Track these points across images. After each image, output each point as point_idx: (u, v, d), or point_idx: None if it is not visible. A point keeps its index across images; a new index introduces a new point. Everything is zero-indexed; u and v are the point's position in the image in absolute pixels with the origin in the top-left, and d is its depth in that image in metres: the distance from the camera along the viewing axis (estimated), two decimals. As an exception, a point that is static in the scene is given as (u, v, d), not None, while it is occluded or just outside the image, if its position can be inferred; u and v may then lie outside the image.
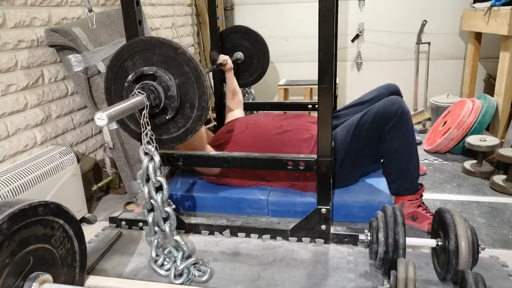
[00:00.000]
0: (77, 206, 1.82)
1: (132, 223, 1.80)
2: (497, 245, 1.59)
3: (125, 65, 1.41)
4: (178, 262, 1.44)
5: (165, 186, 1.41)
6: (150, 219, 1.45)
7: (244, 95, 2.77)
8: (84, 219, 1.87)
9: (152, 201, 1.43)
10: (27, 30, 1.75)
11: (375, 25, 3.49)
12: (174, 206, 1.47)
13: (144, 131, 1.36)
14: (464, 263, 1.24)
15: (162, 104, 1.38)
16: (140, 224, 1.78)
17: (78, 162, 1.82)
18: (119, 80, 1.44)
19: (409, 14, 3.39)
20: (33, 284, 1.11)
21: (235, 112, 2.36)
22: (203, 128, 1.86)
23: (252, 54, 2.59)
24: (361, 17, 3.50)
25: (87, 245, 1.35)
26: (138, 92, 1.33)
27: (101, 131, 2.11)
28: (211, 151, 1.80)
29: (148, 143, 1.38)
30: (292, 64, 3.72)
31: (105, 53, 1.95)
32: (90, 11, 1.91)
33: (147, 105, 1.33)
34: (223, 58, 2.38)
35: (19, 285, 1.09)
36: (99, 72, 1.89)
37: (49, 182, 1.63)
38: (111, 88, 1.47)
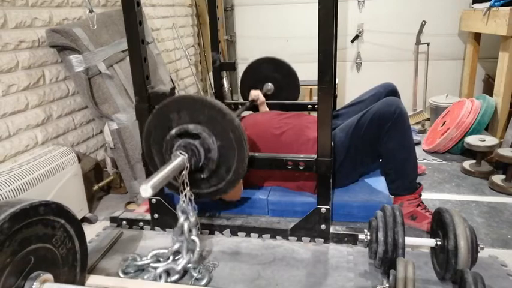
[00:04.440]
0: (77, 206, 1.83)
1: (132, 223, 1.81)
2: (496, 245, 1.60)
3: (170, 116, 1.40)
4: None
5: (197, 248, 1.41)
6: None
7: None
8: (85, 219, 1.88)
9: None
10: (28, 30, 1.76)
11: (374, 26, 3.50)
12: (213, 269, 1.45)
13: (182, 191, 1.37)
14: (464, 263, 1.24)
15: (200, 164, 1.37)
16: (141, 223, 1.79)
17: (79, 162, 1.82)
18: (160, 128, 1.44)
19: (408, 15, 3.40)
20: (34, 283, 1.11)
21: None
22: None
23: (282, 85, 2.55)
24: (360, 17, 3.51)
25: (88, 244, 1.35)
26: (180, 152, 1.32)
27: (101, 131, 2.12)
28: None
29: (186, 202, 1.38)
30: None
31: (106, 54, 1.96)
32: (91, 11, 1.92)
33: (187, 166, 1.32)
34: (254, 94, 2.40)
35: (20, 284, 1.09)
36: (100, 72, 1.90)
37: (50, 181, 1.64)
38: (151, 134, 1.47)
